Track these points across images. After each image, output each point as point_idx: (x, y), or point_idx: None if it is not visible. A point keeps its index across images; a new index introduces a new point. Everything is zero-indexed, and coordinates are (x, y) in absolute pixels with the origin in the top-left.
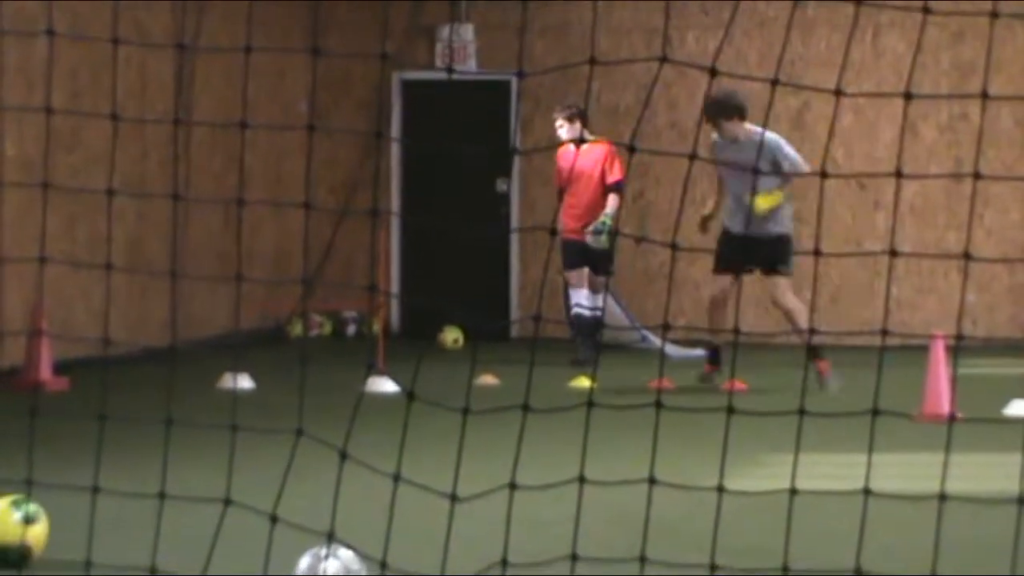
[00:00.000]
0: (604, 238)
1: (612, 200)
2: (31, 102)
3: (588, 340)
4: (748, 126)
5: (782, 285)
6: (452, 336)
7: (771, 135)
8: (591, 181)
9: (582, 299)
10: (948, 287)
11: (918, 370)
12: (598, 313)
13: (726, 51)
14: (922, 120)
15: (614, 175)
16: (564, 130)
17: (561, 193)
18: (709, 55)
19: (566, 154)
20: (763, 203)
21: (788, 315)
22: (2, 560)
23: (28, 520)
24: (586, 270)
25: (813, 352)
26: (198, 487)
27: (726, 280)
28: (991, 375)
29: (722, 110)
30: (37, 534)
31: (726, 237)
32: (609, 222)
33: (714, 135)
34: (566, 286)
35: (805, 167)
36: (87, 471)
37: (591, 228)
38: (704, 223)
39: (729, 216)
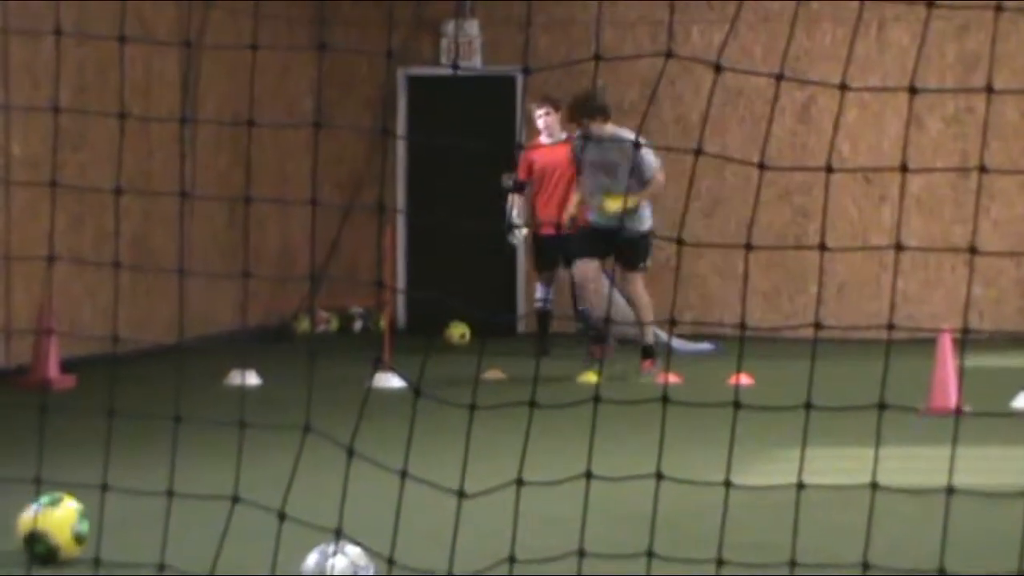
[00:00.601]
0: None
1: None
2: (37, 101)
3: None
4: (611, 127)
5: (637, 280)
6: (458, 331)
7: (633, 138)
8: (566, 175)
9: (547, 294)
10: (955, 280)
11: (925, 364)
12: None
13: (731, 46)
14: (928, 113)
15: None
16: (551, 118)
17: (520, 186)
18: (714, 50)
19: (541, 148)
20: (612, 204)
21: (635, 309)
22: (33, 546)
23: (78, 538)
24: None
25: (647, 351)
26: (206, 484)
27: (593, 264)
28: (998, 368)
29: (586, 110)
30: (73, 551)
31: (592, 230)
32: None
33: (576, 132)
34: (572, 282)
35: (660, 175)
36: (95, 469)
37: None
38: (574, 222)
39: (591, 211)
